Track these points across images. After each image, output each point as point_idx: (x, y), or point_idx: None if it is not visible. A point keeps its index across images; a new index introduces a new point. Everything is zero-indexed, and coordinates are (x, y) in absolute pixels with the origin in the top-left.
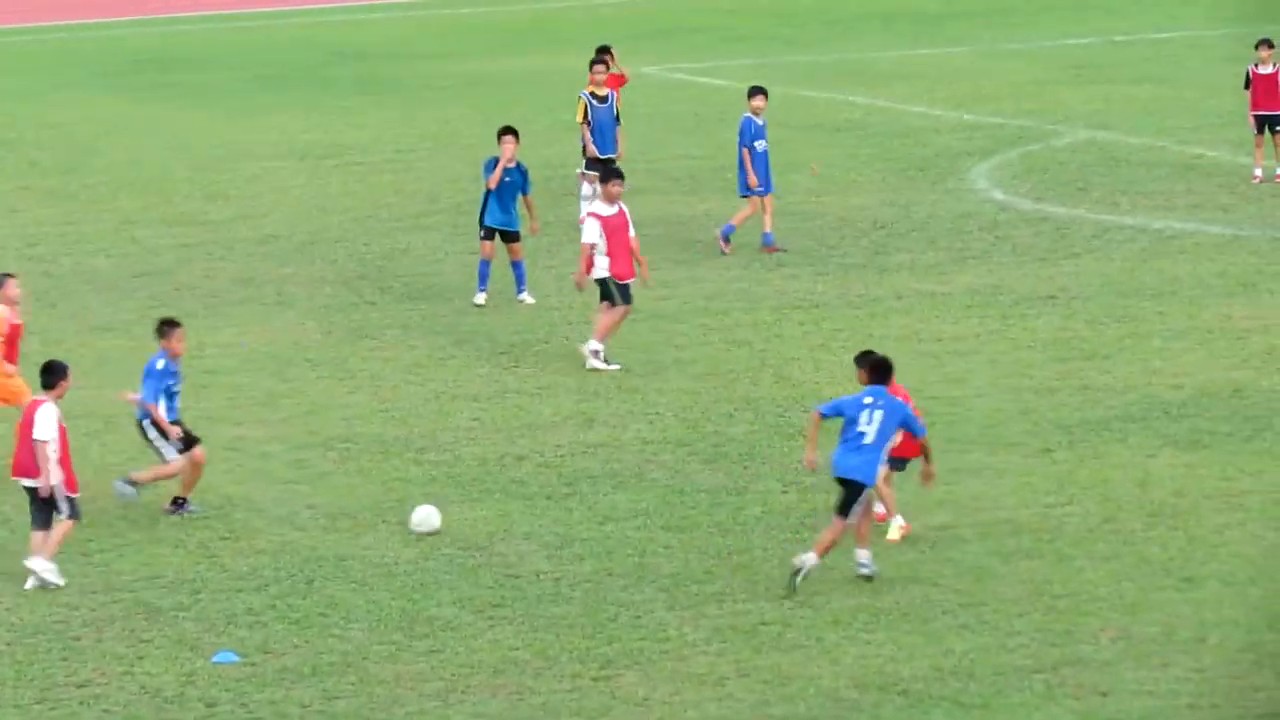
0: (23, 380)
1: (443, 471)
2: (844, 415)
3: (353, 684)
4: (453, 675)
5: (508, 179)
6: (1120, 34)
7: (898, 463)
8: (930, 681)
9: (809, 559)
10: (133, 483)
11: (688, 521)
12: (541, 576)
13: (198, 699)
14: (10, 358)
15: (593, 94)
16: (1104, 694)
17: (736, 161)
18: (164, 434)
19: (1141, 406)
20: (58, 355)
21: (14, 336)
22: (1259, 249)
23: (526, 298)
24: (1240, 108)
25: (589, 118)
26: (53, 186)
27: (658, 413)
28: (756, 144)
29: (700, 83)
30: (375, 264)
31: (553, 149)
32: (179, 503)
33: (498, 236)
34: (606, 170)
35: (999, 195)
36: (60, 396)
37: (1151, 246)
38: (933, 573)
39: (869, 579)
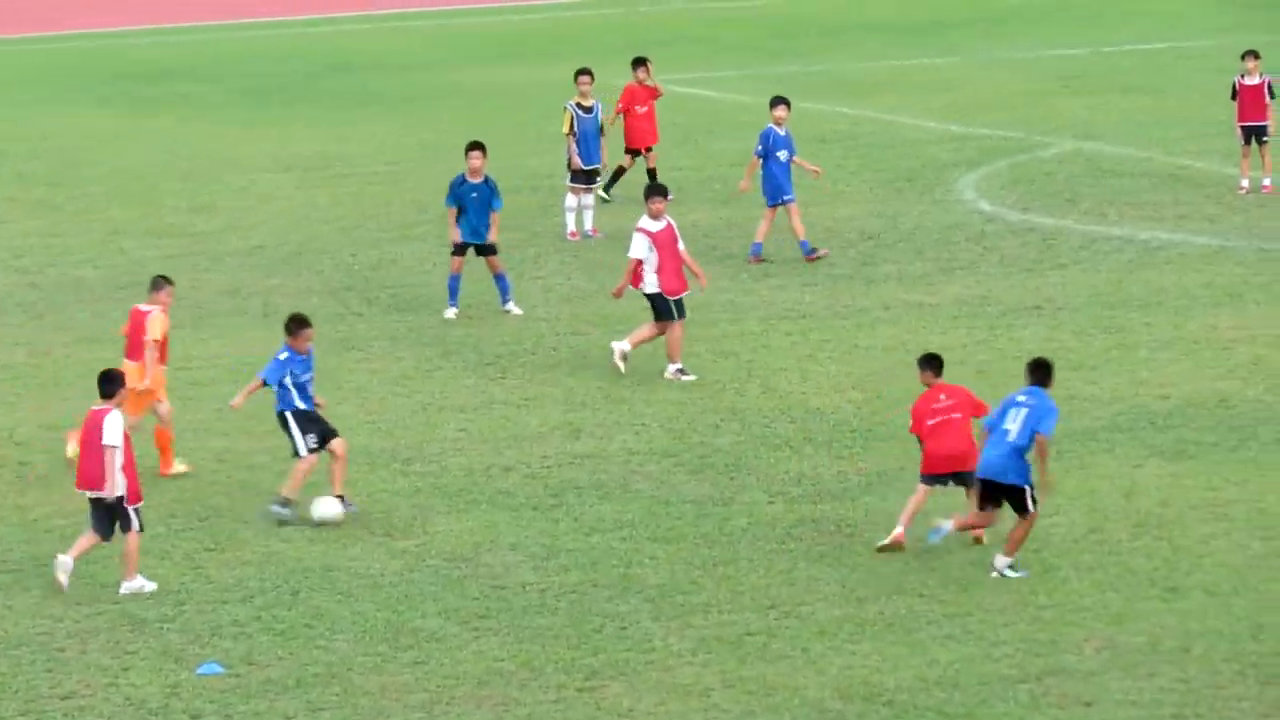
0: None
1: (429, 483)
2: (998, 416)
3: (337, 695)
4: (438, 687)
5: (475, 194)
6: (1109, 44)
7: (939, 479)
8: (915, 692)
9: (947, 524)
10: (285, 502)
11: (673, 532)
12: (527, 588)
13: (182, 711)
14: (161, 360)
15: (578, 105)
16: (1088, 704)
17: (759, 171)
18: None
19: (1128, 417)
20: (45, 366)
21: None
22: (1245, 260)
23: (513, 308)
24: (1227, 118)
25: (574, 129)
26: (40, 197)
27: (644, 424)
28: (779, 154)
29: (688, 94)
30: (362, 275)
31: (540, 160)
32: (341, 500)
33: (472, 251)
34: (650, 187)
35: (986, 206)
36: (121, 404)
37: (1138, 257)
38: (918, 583)
39: (1002, 577)
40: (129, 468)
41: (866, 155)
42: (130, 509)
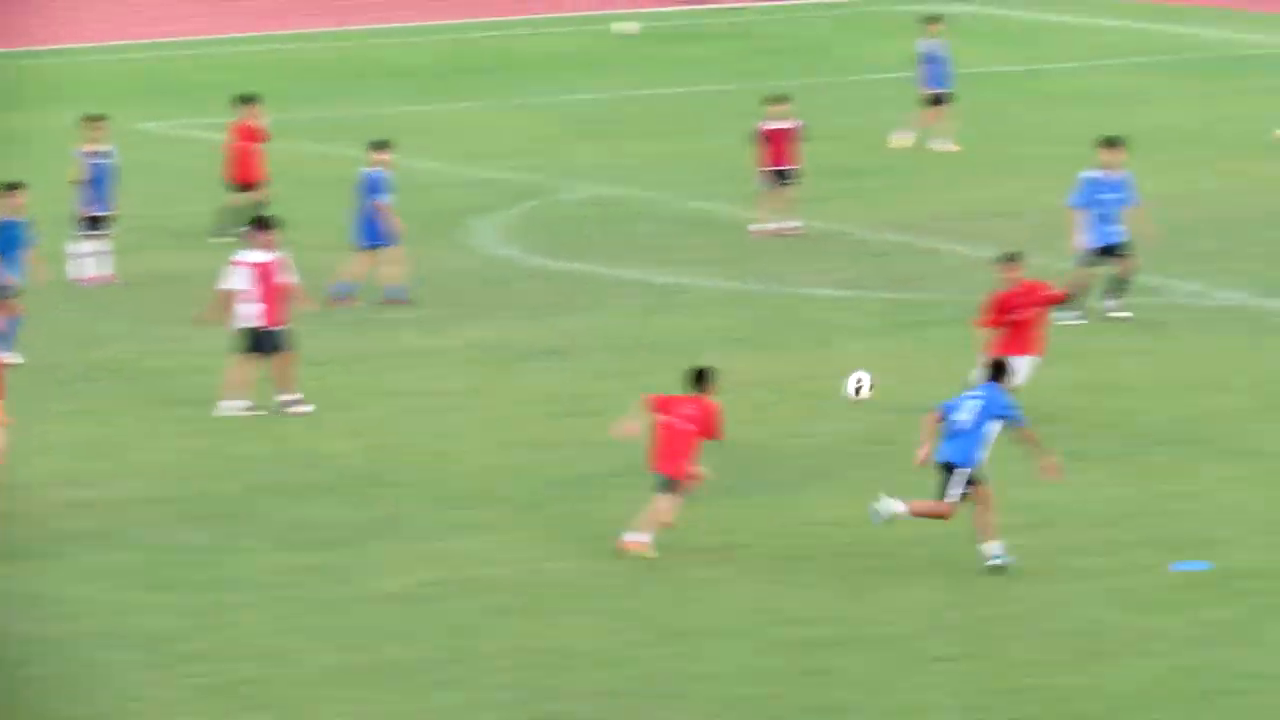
0: None
1: None
2: (950, 412)
3: None
4: None
5: (16, 232)
6: (629, 89)
7: (671, 483)
8: None
9: (898, 505)
10: None
11: (170, 581)
12: (16, 638)
13: None
14: None
15: (89, 151)
16: None
17: (360, 216)
18: None
19: (636, 461)
20: None
21: None
22: (760, 303)
23: (12, 359)
24: (748, 162)
25: (85, 175)
26: None
27: (146, 471)
28: (381, 197)
29: (206, 138)
30: None
31: (63, 206)
32: None
33: None
34: (259, 220)
35: (502, 251)
36: None
37: (655, 301)
38: (416, 630)
39: (1000, 570)
40: None
41: None
42: None
